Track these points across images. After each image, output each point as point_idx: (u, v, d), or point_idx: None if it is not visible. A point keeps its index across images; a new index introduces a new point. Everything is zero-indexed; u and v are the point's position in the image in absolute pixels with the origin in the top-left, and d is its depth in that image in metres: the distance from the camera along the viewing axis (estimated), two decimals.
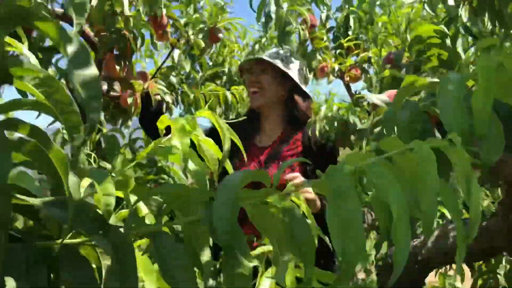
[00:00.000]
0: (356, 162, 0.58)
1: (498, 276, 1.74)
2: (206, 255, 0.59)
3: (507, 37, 1.14)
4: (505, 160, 0.91)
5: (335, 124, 1.71)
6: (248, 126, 1.80)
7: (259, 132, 1.83)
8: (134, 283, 0.51)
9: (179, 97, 2.31)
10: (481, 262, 1.72)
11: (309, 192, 1.48)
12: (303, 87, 1.79)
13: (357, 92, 2.26)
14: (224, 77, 2.97)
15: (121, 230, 0.56)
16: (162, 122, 0.66)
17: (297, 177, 1.46)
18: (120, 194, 0.65)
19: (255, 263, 0.54)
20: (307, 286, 0.55)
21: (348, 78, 2.26)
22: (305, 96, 1.79)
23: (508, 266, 1.57)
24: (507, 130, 0.66)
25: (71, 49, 0.45)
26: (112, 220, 0.61)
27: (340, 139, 1.83)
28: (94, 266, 0.60)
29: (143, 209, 0.63)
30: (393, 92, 1.00)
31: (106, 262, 0.62)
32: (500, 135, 0.63)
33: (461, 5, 1.33)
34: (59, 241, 0.53)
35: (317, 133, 1.74)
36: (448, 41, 1.25)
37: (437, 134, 0.79)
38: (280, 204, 0.56)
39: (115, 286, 0.50)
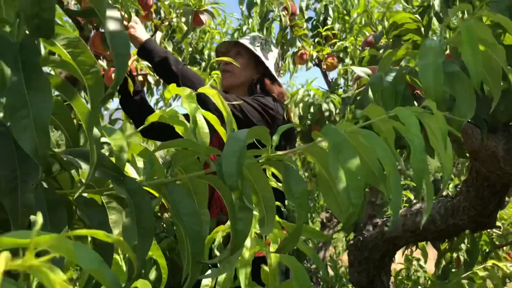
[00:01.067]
0: (345, 128, 0.66)
1: (461, 254, 1.86)
2: (203, 208, 0.65)
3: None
4: (470, 132, 1.00)
5: (311, 109, 1.80)
6: None
7: None
8: (149, 224, 0.57)
9: (160, 79, 2.34)
10: (445, 242, 1.84)
11: (133, 28, 1.60)
12: (274, 73, 1.86)
13: (333, 80, 2.36)
14: (203, 63, 3.01)
15: (135, 180, 0.62)
16: (170, 91, 0.71)
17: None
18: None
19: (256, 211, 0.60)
20: (301, 230, 0.62)
21: (325, 66, 2.34)
22: (274, 81, 1.86)
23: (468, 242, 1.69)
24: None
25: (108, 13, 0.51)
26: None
27: (315, 123, 1.92)
28: None
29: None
30: (373, 67, 1.08)
31: (112, 216, 0.68)
32: (472, 95, 0.70)
33: None
34: (80, 188, 0.58)
35: (292, 115, 1.82)
36: (422, 30, 1.34)
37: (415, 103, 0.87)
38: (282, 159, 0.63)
39: (132, 227, 0.56)
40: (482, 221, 1.49)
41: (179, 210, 0.59)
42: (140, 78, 2.08)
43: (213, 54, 2.95)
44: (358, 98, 0.83)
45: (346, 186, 0.58)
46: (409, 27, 1.26)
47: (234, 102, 1.25)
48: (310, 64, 2.28)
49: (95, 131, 0.57)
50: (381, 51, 1.14)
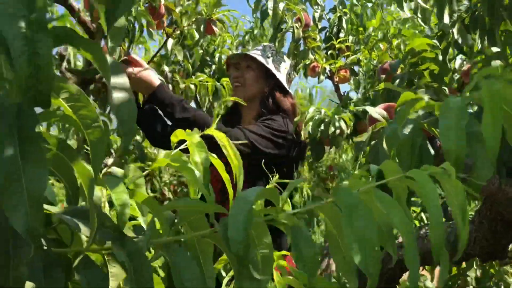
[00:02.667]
0: (357, 187, 0.63)
1: (468, 278, 1.82)
2: (209, 268, 0.62)
3: (500, 57, 1.19)
4: None
5: (322, 126, 1.76)
6: (230, 118, 1.84)
7: (240, 125, 1.86)
8: None
9: (170, 86, 2.32)
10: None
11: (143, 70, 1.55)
12: (286, 86, 1.82)
13: (345, 93, 2.31)
14: (213, 66, 2.97)
15: (135, 240, 0.59)
16: (176, 136, 0.68)
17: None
18: (132, 201, 0.68)
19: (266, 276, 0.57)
20: None
21: (337, 79, 2.30)
22: (286, 93, 1.82)
23: (479, 271, 1.65)
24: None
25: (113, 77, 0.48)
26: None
27: (326, 140, 1.88)
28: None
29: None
30: (388, 105, 1.04)
31: (113, 269, 0.65)
32: (489, 161, 0.67)
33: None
34: (77, 259, 0.55)
35: (303, 133, 1.79)
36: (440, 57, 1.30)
37: (430, 149, 0.84)
38: (289, 222, 0.60)
39: None
40: (494, 253, 1.45)
41: (181, 275, 0.56)
42: None
43: (224, 57, 2.92)
44: (372, 142, 0.80)
45: (364, 256, 0.55)
46: (427, 55, 1.22)
47: (239, 142, 1.21)
48: (322, 77, 2.24)
49: (96, 193, 0.54)
50: (397, 81, 1.10)
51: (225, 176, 0.75)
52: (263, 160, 1.65)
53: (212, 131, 0.75)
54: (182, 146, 0.73)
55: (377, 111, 0.83)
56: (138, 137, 2.47)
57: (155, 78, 1.57)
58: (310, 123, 1.67)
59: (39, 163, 0.44)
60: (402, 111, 0.68)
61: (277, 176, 1.03)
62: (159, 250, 0.62)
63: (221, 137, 0.76)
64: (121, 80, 0.48)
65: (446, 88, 1.17)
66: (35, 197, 0.43)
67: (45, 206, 0.57)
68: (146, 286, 0.55)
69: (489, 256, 1.46)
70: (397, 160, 0.70)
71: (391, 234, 0.63)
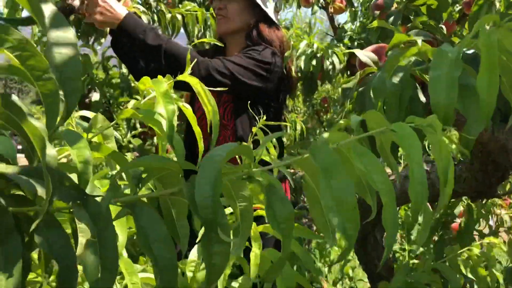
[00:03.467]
0: (337, 141, 0.58)
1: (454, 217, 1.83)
2: (183, 222, 0.60)
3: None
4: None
5: (314, 61, 1.69)
6: (214, 52, 1.74)
7: None
8: (113, 256, 0.51)
9: (156, 17, 2.20)
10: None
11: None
12: (272, 17, 1.71)
13: (340, 25, 2.20)
14: None
15: (98, 199, 0.55)
16: (144, 84, 0.63)
17: None
18: (98, 155, 0.64)
19: (235, 239, 0.54)
20: (285, 261, 0.57)
21: (332, 10, 2.18)
22: (273, 25, 1.73)
23: (464, 207, 1.65)
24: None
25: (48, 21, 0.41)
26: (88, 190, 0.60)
27: (318, 75, 1.81)
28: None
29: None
30: (379, 46, 0.97)
31: (81, 225, 0.62)
32: (484, 116, 0.63)
33: None
34: (39, 208, 0.52)
35: (293, 68, 1.71)
36: None
37: (422, 97, 0.79)
38: (264, 179, 0.56)
39: (93, 259, 0.50)
40: (483, 191, 1.44)
41: (147, 236, 0.53)
42: None
43: None
44: (359, 89, 0.75)
45: (341, 217, 0.52)
46: None
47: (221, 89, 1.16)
48: (316, 7, 2.12)
49: (52, 152, 0.49)
50: (391, 19, 1.02)
51: (197, 130, 0.70)
52: (247, 94, 1.59)
53: (185, 77, 0.70)
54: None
55: (366, 55, 0.76)
56: (124, 70, 2.38)
57: (121, 8, 1.47)
58: (302, 58, 1.60)
59: None
60: (392, 58, 0.62)
61: (264, 117, 0.98)
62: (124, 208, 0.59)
63: (194, 83, 0.70)
64: (63, 33, 0.42)
65: (443, 26, 1.10)
66: None
67: (1, 166, 0.53)
68: (110, 251, 0.52)
69: (478, 195, 1.46)
70: (384, 112, 0.65)
71: (371, 189, 0.59)
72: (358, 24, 2.04)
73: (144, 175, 0.58)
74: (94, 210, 0.53)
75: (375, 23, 0.90)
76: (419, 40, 0.71)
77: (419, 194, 0.54)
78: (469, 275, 1.16)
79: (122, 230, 0.91)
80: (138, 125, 2.26)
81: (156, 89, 0.62)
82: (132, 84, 2.49)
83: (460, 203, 1.68)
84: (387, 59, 0.64)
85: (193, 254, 1.00)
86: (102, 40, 2.47)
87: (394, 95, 0.64)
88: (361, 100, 0.74)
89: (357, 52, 0.78)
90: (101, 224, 0.52)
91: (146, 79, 0.63)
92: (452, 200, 1.74)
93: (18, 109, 0.48)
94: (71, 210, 0.60)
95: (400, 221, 2.49)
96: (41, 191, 0.52)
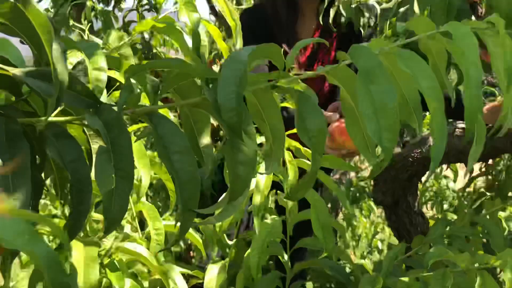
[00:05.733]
0: (380, 47, 0.51)
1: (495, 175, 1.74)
2: (205, 140, 0.54)
3: None
4: None
5: (352, 8, 1.57)
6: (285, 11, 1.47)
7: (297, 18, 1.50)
8: (128, 165, 0.46)
9: None
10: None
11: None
12: None
13: None
14: None
15: (114, 108, 0.50)
16: None
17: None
18: (113, 74, 0.59)
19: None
20: (315, 176, 0.51)
21: None
22: None
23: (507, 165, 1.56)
24: None
25: None
26: (104, 100, 0.55)
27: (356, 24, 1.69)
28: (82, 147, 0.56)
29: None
30: None
31: (95, 145, 0.58)
32: None
33: None
34: (44, 118, 0.48)
35: (331, 17, 1.60)
36: None
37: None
38: (294, 86, 0.50)
39: (107, 168, 0.45)
40: None
41: (166, 147, 0.48)
42: None
43: None
44: (400, 10, 0.67)
45: (378, 125, 0.46)
46: None
47: None
48: None
49: (58, 45, 0.44)
50: None
51: (223, 46, 0.64)
52: None
53: None
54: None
55: None
56: (146, 35, 2.33)
57: None
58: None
59: None
60: None
61: None
62: (144, 122, 0.54)
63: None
64: None
65: None
66: None
67: (4, 66, 0.48)
68: (125, 160, 0.47)
69: None
70: None
71: (417, 106, 0.52)
72: None
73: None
74: (108, 118, 0.48)
75: None
76: None
77: (475, 98, 0.47)
78: None
79: (146, 172, 0.87)
80: None
81: None
82: (154, 51, 2.44)
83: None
84: None
85: None
86: (123, 5, 2.43)
87: (442, 3, 0.57)
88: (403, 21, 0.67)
89: None
90: (115, 131, 0.47)
91: None
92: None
93: None
94: (86, 127, 0.55)
95: (432, 192, 2.40)
96: (48, 90, 0.47)
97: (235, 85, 0.45)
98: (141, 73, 0.51)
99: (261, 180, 0.79)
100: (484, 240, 1.10)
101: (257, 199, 0.79)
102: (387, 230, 3.14)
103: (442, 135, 0.46)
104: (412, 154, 1.66)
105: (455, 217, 1.66)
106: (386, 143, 0.46)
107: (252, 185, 0.79)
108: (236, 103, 0.45)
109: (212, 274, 0.90)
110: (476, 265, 0.77)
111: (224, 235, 1.01)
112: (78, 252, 0.67)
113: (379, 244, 3.38)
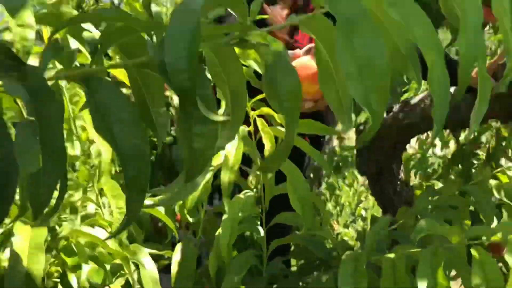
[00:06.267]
0: None
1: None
2: (159, 107, 0.46)
3: None
4: None
5: None
6: None
7: None
8: (57, 140, 0.38)
9: None
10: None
11: None
12: None
13: None
14: None
15: (44, 73, 0.41)
16: None
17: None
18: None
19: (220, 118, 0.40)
20: (290, 147, 0.43)
21: None
22: None
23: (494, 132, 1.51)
24: None
25: None
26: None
27: None
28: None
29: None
30: None
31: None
32: None
33: None
34: None
35: None
36: None
37: None
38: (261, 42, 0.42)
39: (30, 143, 0.37)
40: None
41: (106, 115, 0.40)
42: None
43: None
44: None
45: (363, 86, 0.38)
46: None
47: None
48: None
49: None
50: None
51: None
52: None
53: None
54: None
55: None
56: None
57: None
58: None
59: None
60: None
61: None
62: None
63: None
64: None
65: None
66: None
67: None
68: (54, 135, 0.38)
69: (510, 115, 1.30)
70: None
71: (413, 55, 0.44)
72: None
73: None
74: (33, 82, 0.39)
75: None
76: None
77: (471, 45, 0.39)
78: (504, 199, 1.03)
79: (105, 146, 0.79)
80: None
81: None
82: None
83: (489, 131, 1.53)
84: None
85: None
86: None
87: None
88: None
89: None
90: (43, 98, 0.39)
91: None
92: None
93: None
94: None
95: (416, 159, 2.34)
96: None
97: (186, 41, 0.36)
98: (76, 28, 0.42)
99: (230, 154, 0.71)
100: (472, 208, 1.05)
101: (225, 177, 0.71)
102: (371, 198, 3.11)
103: (444, 91, 0.39)
104: (397, 121, 1.60)
105: (440, 185, 1.61)
106: (374, 105, 0.38)
107: (221, 160, 0.71)
108: (187, 64, 0.36)
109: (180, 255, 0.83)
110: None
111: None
112: (23, 238, 0.59)
113: (363, 212, 3.35)
